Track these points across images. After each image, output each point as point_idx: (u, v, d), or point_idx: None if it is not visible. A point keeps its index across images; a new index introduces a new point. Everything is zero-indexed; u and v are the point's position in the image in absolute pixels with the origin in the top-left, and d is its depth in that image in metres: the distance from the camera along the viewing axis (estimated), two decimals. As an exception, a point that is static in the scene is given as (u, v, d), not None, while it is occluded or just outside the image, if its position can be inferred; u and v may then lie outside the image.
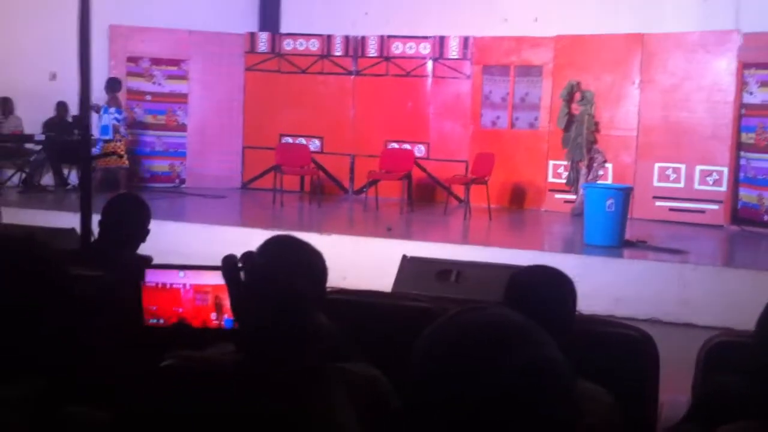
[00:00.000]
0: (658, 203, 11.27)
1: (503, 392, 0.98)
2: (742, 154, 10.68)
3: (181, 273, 2.21)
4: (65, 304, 1.64)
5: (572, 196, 11.61)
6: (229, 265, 1.17)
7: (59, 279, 1.68)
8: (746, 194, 10.64)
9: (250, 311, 1.16)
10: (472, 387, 1.00)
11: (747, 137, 10.59)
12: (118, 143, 11.56)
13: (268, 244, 2.13)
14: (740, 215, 10.68)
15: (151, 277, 2.22)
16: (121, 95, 12.96)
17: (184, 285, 2.20)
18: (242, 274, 1.16)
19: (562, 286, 2.39)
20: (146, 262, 3.55)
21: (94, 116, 11.28)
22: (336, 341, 2.19)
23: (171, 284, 2.20)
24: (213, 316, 2.20)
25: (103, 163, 11.52)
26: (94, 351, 2.11)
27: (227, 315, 2.14)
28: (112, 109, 11.49)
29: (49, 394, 1.53)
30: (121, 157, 11.72)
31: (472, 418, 0.99)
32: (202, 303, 2.21)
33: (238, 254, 1.36)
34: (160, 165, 13.31)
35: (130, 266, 2.79)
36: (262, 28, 13.65)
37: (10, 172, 12.43)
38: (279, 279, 1.15)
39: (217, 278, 1.17)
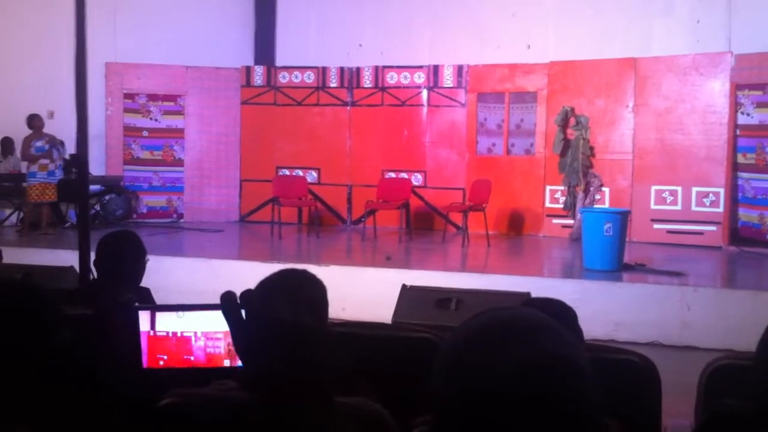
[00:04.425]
0: (656, 226, 11.28)
1: (509, 384, 0.98)
2: (740, 174, 10.71)
3: (180, 314, 2.17)
4: (58, 346, 1.63)
5: (570, 221, 11.63)
6: (228, 303, 1.16)
7: (52, 321, 1.67)
8: (746, 214, 10.65)
9: (251, 349, 1.15)
10: (482, 380, 0.99)
11: (746, 158, 10.62)
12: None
13: (269, 280, 2.12)
14: (741, 235, 10.69)
15: (161, 325, 2.18)
16: (118, 132, 13.10)
17: (195, 333, 2.16)
18: (243, 312, 1.15)
19: (567, 320, 2.39)
20: (145, 294, 3.54)
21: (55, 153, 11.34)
22: (339, 375, 2.18)
23: (181, 332, 2.16)
24: (226, 363, 2.16)
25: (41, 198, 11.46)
26: (89, 392, 2.09)
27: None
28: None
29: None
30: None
31: (488, 416, 0.98)
32: (214, 350, 2.16)
33: (238, 288, 1.36)
34: (158, 200, 13.33)
35: (125, 301, 2.76)
36: (258, 62, 13.74)
37: (8, 211, 12.45)
38: (280, 315, 1.15)
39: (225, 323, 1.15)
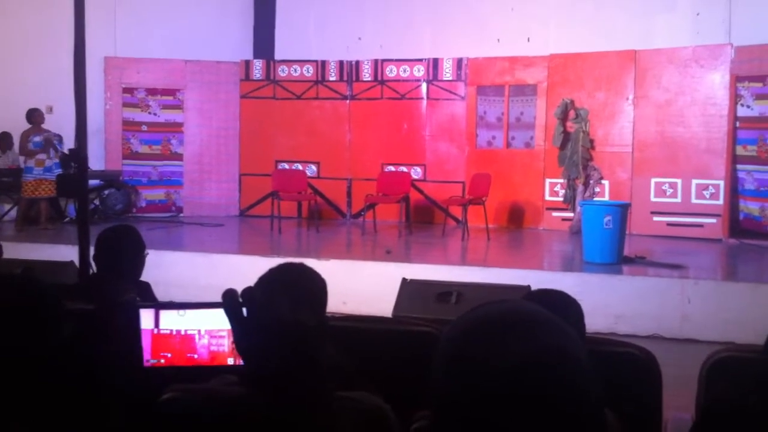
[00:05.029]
0: (656, 218, 11.28)
1: (509, 380, 0.96)
2: (741, 166, 10.70)
3: (182, 312, 2.16)
4: (58, 342, 1.62)
5: (570, 214, 11.62)
6: (229, 300, 1.16)
7: (53, 315, 1.66)
8: (747, 206, 10.64)
9: (252, 346, 1.15)
10: (482, 376, 0.98)
11: (747, 150, 10.61)
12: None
13: (268, 276, 2.11)
14: (742, 227, 10.68)
15: (165, 323, 2.17)
16: (117, 126, 13.09)
17: (199, 331, 2.15)
18: (244, 310, 1.14)
19: (569, 312, 2.37)
20: (144, 288, 3.54)
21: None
22: (342, 370, 2.18)
23: (185, 330, 2.16)
24: (230, 361, 2.16)
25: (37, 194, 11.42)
26: (89, 391, 2.09)
27: None
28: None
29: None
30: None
31: (488, 411, 0.97)
32: (217, 349, 2.15)
33: (238, 283, 1.35)
34: (156, 194, 13.33)
35: (127, 300, 2.75)
36: (257, 56, 13.72)
37: (7, 206, 12.44)
38: (281, 314, 1.14)
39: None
